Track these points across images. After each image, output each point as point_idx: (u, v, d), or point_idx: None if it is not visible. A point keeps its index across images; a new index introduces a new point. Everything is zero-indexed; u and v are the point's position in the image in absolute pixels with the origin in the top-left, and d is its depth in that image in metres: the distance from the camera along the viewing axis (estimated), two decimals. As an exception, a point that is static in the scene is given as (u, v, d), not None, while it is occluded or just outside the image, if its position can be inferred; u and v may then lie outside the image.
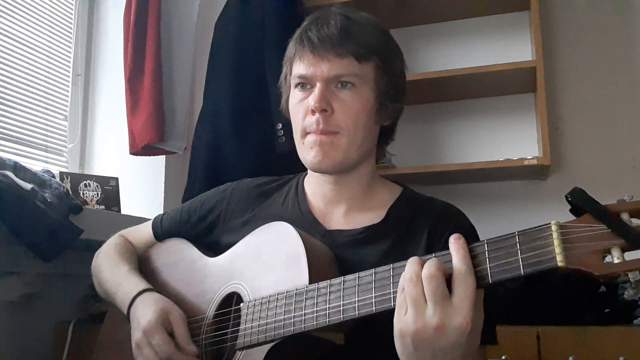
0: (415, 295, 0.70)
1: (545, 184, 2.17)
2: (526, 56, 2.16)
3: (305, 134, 0.98)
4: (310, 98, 0.97)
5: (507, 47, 2.26)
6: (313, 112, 0.96)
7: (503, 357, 1.47)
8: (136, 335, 0.97)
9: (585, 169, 2.13)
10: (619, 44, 2.19)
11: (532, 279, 1.68)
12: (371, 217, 1.01)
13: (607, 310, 1.61)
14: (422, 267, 0.72)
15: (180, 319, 0.98)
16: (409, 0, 2.22)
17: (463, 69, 2.08)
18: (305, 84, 0.99)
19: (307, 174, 1.11)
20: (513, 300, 1.65)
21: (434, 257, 0.74)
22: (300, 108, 0.99)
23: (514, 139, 2.23)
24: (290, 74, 1.02)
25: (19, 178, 1.43)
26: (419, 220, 0.98)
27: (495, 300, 0.84)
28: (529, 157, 1.96)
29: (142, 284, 1.06)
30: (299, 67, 0.99)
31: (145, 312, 0.98)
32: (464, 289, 0.69)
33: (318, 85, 0.96)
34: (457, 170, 2.09)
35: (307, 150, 0.98)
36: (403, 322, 0.71)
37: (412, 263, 0.73)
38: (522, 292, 1.65)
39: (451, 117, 2.34)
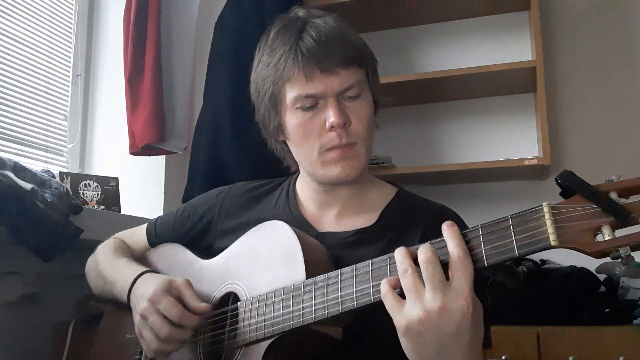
0: (412, 283, 0.69)
1: (545, 184, 2.17)
2: (526, 56, 2.16)
3: (324, 150, 0.94)
4: (326, 115, 0.92)
5: (507, 47, 2.26)
6: (331, 128, 0.92)
7: (503, 357, 1.47)
8: (141, 305, 0.93)
9: (585, 168, 2.10)
10: (618, 44, 2.20)
11: (532, 279, 1.68)
12: (364, 219, 1.00)
13: (607, 310, 1.62)
14: (413, 256, 0.71)
15: (186, 283, 0.95)
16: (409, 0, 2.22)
17: (463, 69, 2.08)
18: (313, 104, 0.93)
19: (298, 176, 1.10)
20: (513, 300, 1.65)
21: (429, 244, 0.73)
22: (312, 127, 0.94)
23: (514, 139, 2.23)
24: (284, 95, 0.94)
25: (19, 178, 1.43)
26: (413, 222, 0.97)
27: (489, 307, 0.84)
28: (529, 157, 1.97)
29: (142, 268, 1.05)
30: (303, 86, 0.92)
31: (149, 285, 0.96)
32: (462, 272, 0.68)
33: (330, 100, 0.92)
34: (457, 171, 2.09)
35: (329, 167, 0.95)
36: (403, 314, 0.69)
37: (401, 253, 0.72)
38: (522, 292, 1.65)
39: (451, 117, 2.34)
